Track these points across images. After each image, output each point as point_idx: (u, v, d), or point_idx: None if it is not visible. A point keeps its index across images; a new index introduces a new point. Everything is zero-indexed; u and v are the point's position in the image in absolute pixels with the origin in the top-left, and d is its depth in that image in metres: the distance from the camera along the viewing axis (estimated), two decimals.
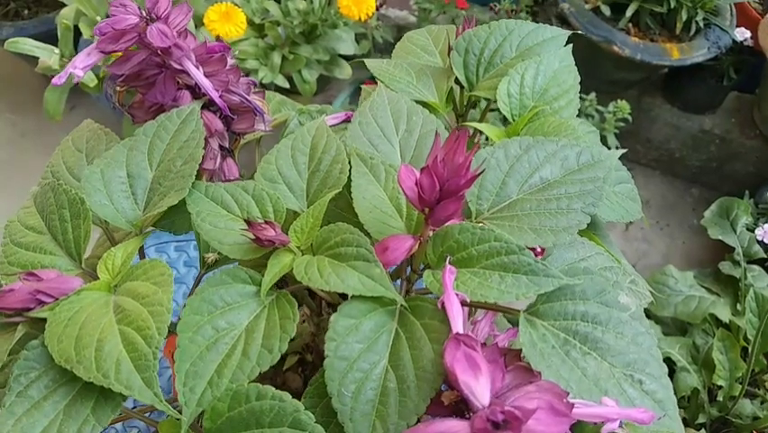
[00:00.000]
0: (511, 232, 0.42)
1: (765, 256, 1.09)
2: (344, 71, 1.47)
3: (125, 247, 0.42)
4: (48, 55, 1.35)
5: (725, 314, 1.10)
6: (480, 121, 0.56)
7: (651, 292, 0.57)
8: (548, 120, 0.48)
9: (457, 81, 0.54)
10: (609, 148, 1.43)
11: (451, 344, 0.34)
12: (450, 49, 0.54)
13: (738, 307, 1.12)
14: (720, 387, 1.08)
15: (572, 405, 0.33)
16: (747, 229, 1.21)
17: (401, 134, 0.48)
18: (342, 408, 0.37)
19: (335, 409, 0.37)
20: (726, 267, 1.26)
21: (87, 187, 0.42)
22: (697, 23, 1.36)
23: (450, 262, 0.39)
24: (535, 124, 0.48)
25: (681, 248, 1.77)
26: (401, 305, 0.40)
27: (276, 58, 1.39)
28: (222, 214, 0.42)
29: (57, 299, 0.39)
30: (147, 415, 0.43)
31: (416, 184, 0.38)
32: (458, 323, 0.37)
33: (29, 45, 1.33)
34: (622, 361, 0.40)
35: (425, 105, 0.51)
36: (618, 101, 1.27)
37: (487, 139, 0.56)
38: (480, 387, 0.32)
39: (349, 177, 0.45)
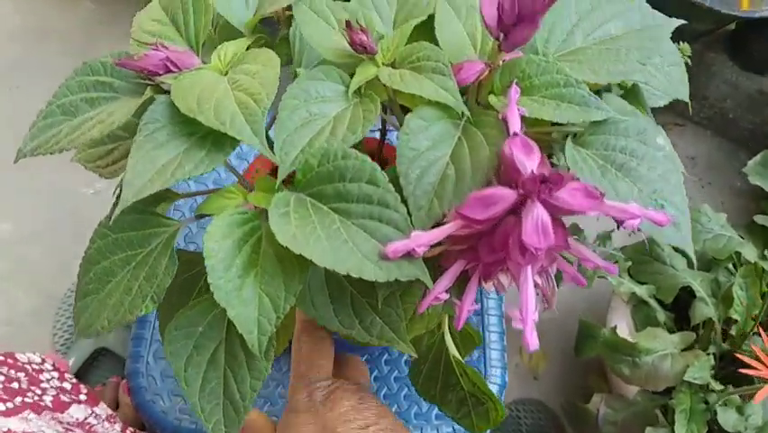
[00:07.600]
0: (572, 69, 0.47)
1: None
2: None
3: (236, 43, 0.49)
4: None
5: (752, 255, 1.14)
6: None
7: None
8: None
9: None
10: None
11: (510, 138, 0.41)
12: None
13: (766, 252, 1.15)
14: (735, 321, 1.13)
15: (603, 194, 0.39)
16: None
17: None
18: (407, 185, 0.43)
19: (401, 186, 0.43)
20: (760, 219, 1.29)
21: None
22: None
23: None
24: None
25: (719, 208, 1.79)
26: (467, 118, 0.46)
27: None
28: (321, 24, 0.49)
29: (181, 70, 0.46)
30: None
31: (498, 6, 0.44)
32: (517, 128, 0.43)
33: None
34: (650, 188, 0.45)
35: None
36: (681, 43, 1.29)
37: None
38: (531, 162, 0.39)
39: (432, 16, 0.51)
